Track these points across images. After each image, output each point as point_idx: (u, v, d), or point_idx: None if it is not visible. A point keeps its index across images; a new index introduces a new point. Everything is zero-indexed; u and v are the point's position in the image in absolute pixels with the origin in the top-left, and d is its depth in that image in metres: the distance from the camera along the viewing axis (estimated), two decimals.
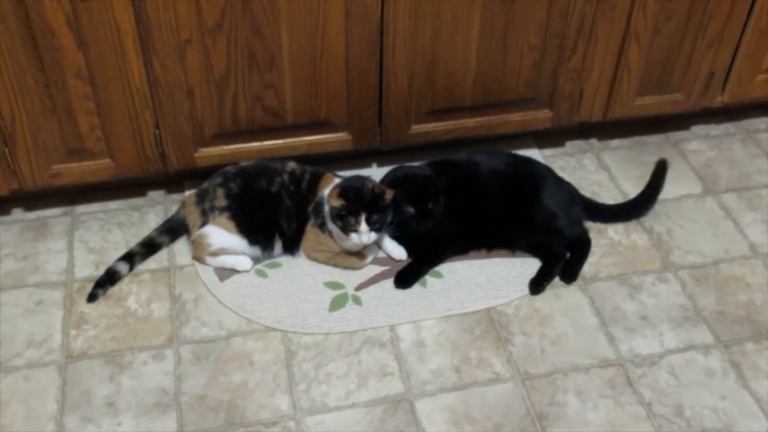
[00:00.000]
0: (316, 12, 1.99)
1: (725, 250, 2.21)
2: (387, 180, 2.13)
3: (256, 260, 2.12)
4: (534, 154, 2.46)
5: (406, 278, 2.08)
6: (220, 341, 1.95)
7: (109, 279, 2.06)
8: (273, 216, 2.08)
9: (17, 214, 2.28)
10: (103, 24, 1.89)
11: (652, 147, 2.55)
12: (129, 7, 1.88)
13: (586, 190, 2.33)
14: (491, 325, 2.00)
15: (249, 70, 2.06)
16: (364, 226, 1.95)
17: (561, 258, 2.12)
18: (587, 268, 2.14)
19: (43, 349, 1.93)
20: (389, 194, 1.98)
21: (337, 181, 2.06)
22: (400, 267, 2.11)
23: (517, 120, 2.35)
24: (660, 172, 2.25)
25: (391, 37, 2.08)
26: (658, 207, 2.30)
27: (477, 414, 1.81)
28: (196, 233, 2.09)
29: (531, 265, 2.12)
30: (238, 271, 2.09)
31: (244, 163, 2.14)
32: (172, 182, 2.35)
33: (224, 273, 2.09)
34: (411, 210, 2.04)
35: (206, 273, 2.10)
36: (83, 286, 2.06)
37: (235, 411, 1.80)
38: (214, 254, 2.09)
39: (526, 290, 2.07)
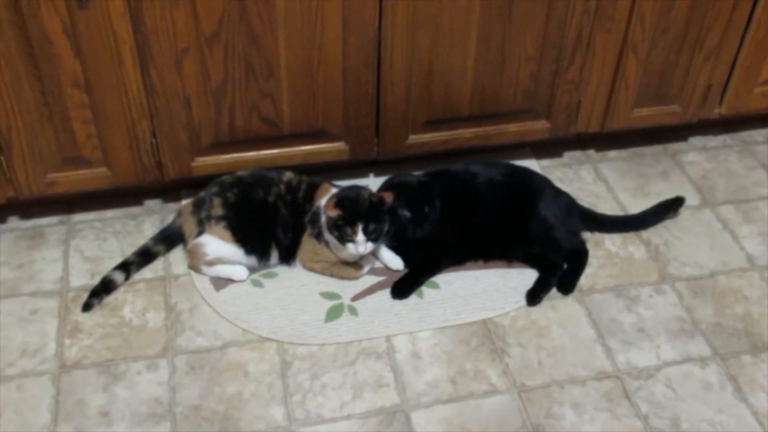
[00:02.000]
0: (314, 22, 1.99)
1: (723, 262, 2.20)
2: (383, 187, 2.13)
3: (252, 270, 2.11)
4: (531, 164, 2.46)
5: (402, 289, 2.08)
6: (215, 351, 1.94)
7: (104, 288, 2.05)
8: (269, 226, 2.07)
9: (13, 222, 2.27)
10: (101, 32, 1.88)
11: (649, 158, 2.55)
12: (126, 15, 1.87)
13: (584, 201, 2.33)
14: (487, 336, 1.99)
15: (246, 79, 2.06)
16: (360, 236, 1.94)
17: (558, 269, 2.12)
18: (584, 280, 2.13)
19: (37, 358, 1.92)
20: (389, 198, 1.97)
21: (333, 191, 2.06)
22: (396, 277, 2.10)
23: (515, 131, 2.35)
24: (673, 204, 2.28)
25: (389, 48, 2.08)
26: None
27: (473, 426, 1.80)
28: (192, 242, 2.09)
29: (528, 277, 2.11)
30: (233, 281, 2.09)
31: (240, 173, 2.13)
32: (168, 191, 2.34)
33: (220, 282, 2.09)
34: (407, 214, 2.04)
35: (202, 282, 2.09)
36: (78, 295, 2.05)
37: (229, 422, 1.79)
38: (210, 264, 2.08)
39: (522, 301, 2.07)
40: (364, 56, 2.08)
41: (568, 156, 2.55)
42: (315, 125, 2.19)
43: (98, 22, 1.87)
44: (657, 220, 2.29)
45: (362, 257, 2.06)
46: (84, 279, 2.11)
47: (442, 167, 2.24)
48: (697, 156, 2.56)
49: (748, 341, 2.00)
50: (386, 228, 2.00)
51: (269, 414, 1.81)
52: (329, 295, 2.07)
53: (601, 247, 2.23)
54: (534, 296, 2.07)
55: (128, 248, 2.17)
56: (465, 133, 2.32)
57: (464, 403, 1.84)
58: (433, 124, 2.28)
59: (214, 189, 2.09)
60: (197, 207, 2.09)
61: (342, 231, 1.95)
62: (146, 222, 2.28)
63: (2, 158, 2.04)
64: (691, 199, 2.39)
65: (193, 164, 2.18)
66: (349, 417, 1.81)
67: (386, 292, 2.08)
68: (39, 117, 2.00)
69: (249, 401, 1.84)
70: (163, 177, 2.19)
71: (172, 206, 2.32)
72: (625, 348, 1.97)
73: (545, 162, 2.52)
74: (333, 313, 2.03)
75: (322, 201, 2.02)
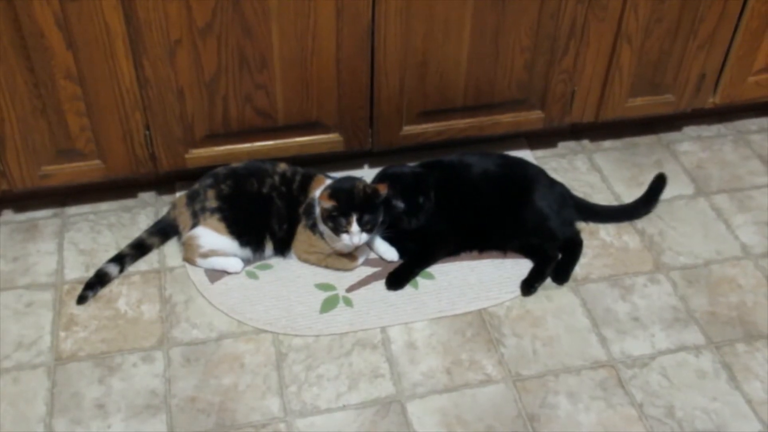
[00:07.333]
0: (307, 13, 1.99)
1: (717, 251, 2.21)
2: (377, 178, 2.13)
3: (246, 262, 2.11)
4: (526, 155, 2.46)
5: (397, 280, 2.08)
6: (210, 343, 1.94)
7: (99, 281, 2.05)
8: (264, 217, 2.07)
9: (7, 215, 2.27)
10: (93, 24, 1.88)
11: (644, 148, 2.55)
12: (118, 7, 1.87)
13: (578, 191, 2.33)
14: (483, 326, 2.00)
15: (240, 71, 2.05)
16: (355, 227, 1.94)
17: (553, 259, 2.12)
18: (579, 270, 2.14)
19: (33, 351, 1.92)
20: (383, 190, 1.97)
21: (328, 182, 2.06)
22: (391, 268, 2.10)
23: (509, 121, 2.35)
24: (658, 184, 2.29)
25: (382, 38, 2.07)
26: None
27: (468, 416, 1.80)
28: (186, 235, 2.08)
29: (522, 267, 2.12)
30: (228, 273, 2.09)
31: (234, 165, 2.13)
32: (162, 183, 2.34)
33: (215, 275, 2.09)
34: (401, 204, 2.04)
35: (197, 275, 2.09)
36: (73, 288, 2.05)
37: (225, 413, 1.80)
38: (205, 256, 2.08)
39: (517, 292, 2.07)
40: (357, 47, 2.07)
41: (563, 146, 2.55)
42: (309, 117, 2.19)
43: (90, 13, 1.86)
44: (650, 206, 2.29)
45: (357, 248, 2.07)
46: (79, 272, 2.10)
47: (436, 158, 2.23)
48: (692, 145, 2.57)
49: (742, 330, 2.00)
50: (381, 219, 2.00)
51: (265, 405, 1.81)
52: (324, 287, 2.07)
53: (595, 236, 2.23)
54: (529, 286, 2.07)
55: (123, 241, 2.16)
56: (459, 124, 2.32)
57: (460, 393, 1.85)
58: (428, 115, 2.28)
59: (209, 181, 2.09)
60: (191, 199, 2.09)
61: (336, 222, 1.95)
62: (141, 214, 2.28)
63: None
64: (686, 189, 2.40)
65: (187, 156, 2.18)
66: (344, 408, 1.81)
67: (381, 283, 2.08)
68: (32, 109, 1.99)
69: (245, 393, 1.84)
70: (157, 169, 2.19)
71: (167, 198, 2.32)
72: (619, 337, 1.98)
73: (540, 152, 2.52)
74: (328, 305, 2.03)
75: (317, 192, 2.02)
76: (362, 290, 2.07)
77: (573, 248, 2.16)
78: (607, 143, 2.57)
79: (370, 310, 2.02)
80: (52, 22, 1.86)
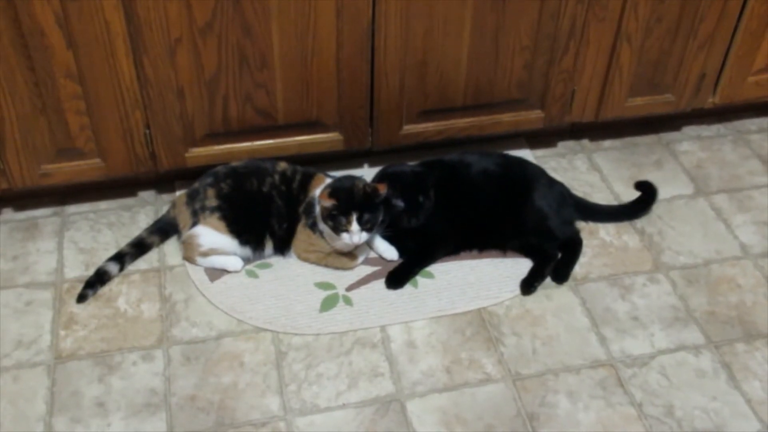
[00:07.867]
0: (307, 12, 1.99)
1: (716, 251, 2.21)
2: (377, 177, 2.13)
3: (246, 261, 2.11)
4: (526, 154, 2.46)
5: (397, 279, 2.08)
6: (210, 342, 1.94)
7: (99, 279, 2.05)
8: (264, 216, 2.07)
9: (7, 214, 2.27)
10: (93, 23, 1.88)
11: (643, 148, 2.55)
12: (119, 6, 1.87)
13: (578, 190, 2.33)
14: (482, 325, 2.00)
15: (240, 70, 2.05)
16: (355, 226, 1.94)
17: (552, 258, 2.12)
18: (579, 269, 2.14)
19: (32, 349, 1.92)
20: (382, 189, 1.97)
21: (328, 181, 2.06)
22: (391, 267, 2.10)
23: (509, 121, 2.35)
24: (646, 188, 2.31)
25: (383, 38, 2.07)
26: None
27: (468, 415, 1.80)
28: (186, 234, 2.09)
29: (522, 266, 2.12)
30: (228, 272, 2.09)
31: (234, 163, 2.13)
32: (162, 182, 2.34)
33: (215, 273, 2.09)
34: (401, 204, 2.04)
35: (196, 273, 2.09)
36: (73, 287, 2.05)
37: (225, 412, 1.80)
38: (205, 255, 2.08)
39: (517, 291, 2.07)
40: (357, 46, 2.08)
41: (563, 146, 2.56)
42: (309, 116, 2.19)
43: (91, 12, 1.86)
44: (649, 206, 2.29)
45: (357, 247, 2.07)
46: (78, 270, 2.11)
47: (436, 157, 2.23)
48: (691, 145, 2.57)
49: (741, 329, 2.00)
50: (380, 218, 2.00)
51: (265, 404, 1.82)
52: (324, 286, 2.08)
53: (595, 236, 2.24)
54: (528, 285, 2.07)
55: (123, 239, 2.16)
56: (459, 123, 2.32)
57: (459, 392, 1.85)
58: (428, 114, 2.28)
59: (208, 180, 2.09)
60: (191, 198, 2.09)
61: (336, 221, 1.95)
62: (140, 213, 2.28)
63: None
64: (685, 188, 2.40)
65: (187, 155, 2.18)
66: (344, 406, 1.82)
67: (381, 282, 2.08)
68: (32, 108, 1.99)
69: (244, 391, 1.84)
70: (157, 168, 2.19)
71: (167, 197, 2.32)
72: (619, 336, 1.98)
73: (539, 152, 2.52)
74: (328, 303, 2.03)
75: (317, 191, 2.02)
76: (362, 289, 2.07)
77: (572, 247, 2.16)
78: (607, 143, 2.57)
79: (370, 309, 2.02)
80: (53, 21, 1.86)
